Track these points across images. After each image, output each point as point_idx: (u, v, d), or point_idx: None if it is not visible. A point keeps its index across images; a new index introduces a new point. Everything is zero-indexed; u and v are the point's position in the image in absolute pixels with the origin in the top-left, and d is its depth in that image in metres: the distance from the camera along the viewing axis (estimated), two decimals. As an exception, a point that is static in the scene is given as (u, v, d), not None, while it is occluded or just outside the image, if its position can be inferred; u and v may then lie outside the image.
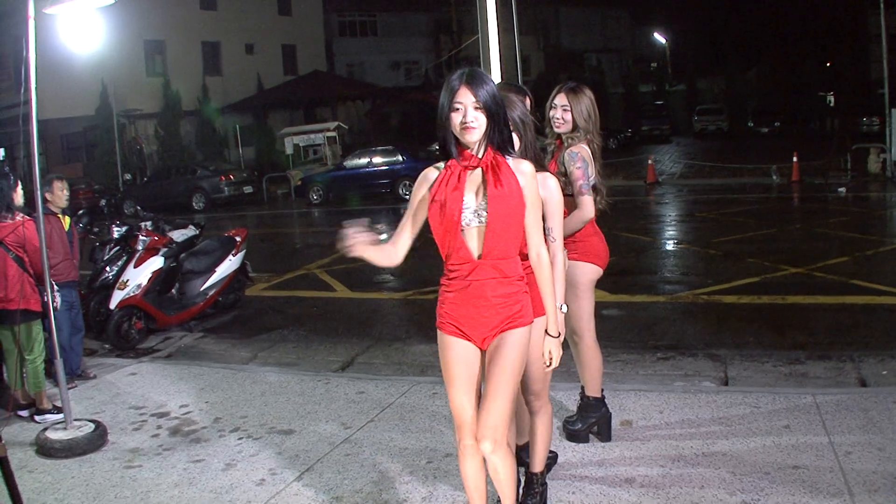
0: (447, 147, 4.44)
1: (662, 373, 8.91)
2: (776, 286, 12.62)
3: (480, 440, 4.51)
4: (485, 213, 4.35)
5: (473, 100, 4.28)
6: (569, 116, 6.31)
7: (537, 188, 4.52)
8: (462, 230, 4.40)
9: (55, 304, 7.70)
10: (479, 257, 4.41)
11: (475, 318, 4.49)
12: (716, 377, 8.59)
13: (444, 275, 4.60)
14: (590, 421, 6.65)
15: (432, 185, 4.46)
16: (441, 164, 4.50)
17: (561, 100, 6.36)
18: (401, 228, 4.71)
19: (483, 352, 4.59)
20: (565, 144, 6.29)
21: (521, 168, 4.45)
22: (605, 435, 6.67)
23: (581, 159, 6.09)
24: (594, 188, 6.30)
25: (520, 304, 4.51)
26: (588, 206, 6.13)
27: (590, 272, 6.32)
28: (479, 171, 4.40)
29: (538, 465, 5.45)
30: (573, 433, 6.70)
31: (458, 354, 4.55)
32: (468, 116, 4.28)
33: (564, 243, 5.52)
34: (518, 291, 4.51)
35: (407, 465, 6.49)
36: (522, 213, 4.43)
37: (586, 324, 6.47)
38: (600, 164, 6.42)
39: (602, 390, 6.72)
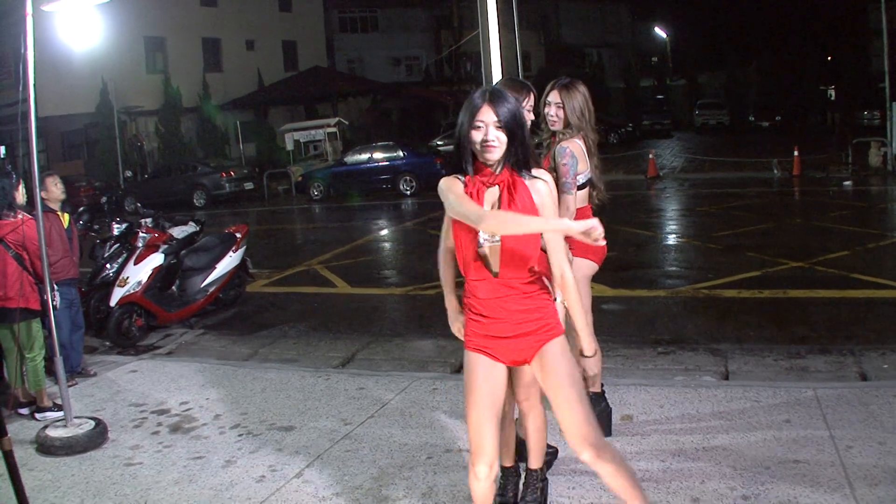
0: (463, 163, 4.40)
1: (663, 367, 8.90)
2: (777, 280, 12.62)
3: (580, 453, 4.44)
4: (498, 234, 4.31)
5: (495, 119, 4.24)
6: (562, 113, 6.28)
7: (555, 207, 4.47)
8: (479, 247, 4.35)
9: (55, 302, 7.70)
10: (496, 275, 4.37)
11: (501, 336, 4.43)
12: (716, 371, 8.58)
13: (465, 292, 4.54)
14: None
15: None
16: (462, 177, 4.41)
17: (554, 97, 6.33)
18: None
19: (511, 368, 4.59)
20: (559, 141, 6.28)
21: (537, 187, 4.40)
22: (605, 430, 6.67)
23: (569, 155, 6.04)
24: (590, 183, 6.33)
25: (549, 315, 4.47)
26: (567, 205, 6.04)
27: (584, 267, 6.29)
28: (496, 188, 4.37)
29: (535, 461, 5.44)
30: None
31: (484, 375, 4.48)
32: (489, 135, 4.24)
33: None
34: (542, 304, 4.46)
35: (407, 460, 6.49)
36: (536, 234, 4.38)
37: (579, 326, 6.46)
38: (597, 158, 6.41)
39: (602, 385, 6.72)
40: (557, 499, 5.65)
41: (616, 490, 4.51)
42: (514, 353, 4.46)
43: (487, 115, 4.25)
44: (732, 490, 5.53)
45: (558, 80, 6.45)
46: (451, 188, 4.36)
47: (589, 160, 6.31)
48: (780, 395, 7.31)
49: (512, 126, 4.27)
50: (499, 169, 4.36)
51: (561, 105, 6.28)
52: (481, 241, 4.33)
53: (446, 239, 4.91)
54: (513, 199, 4.33)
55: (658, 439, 6.49)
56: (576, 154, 6.14)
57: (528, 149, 4.39)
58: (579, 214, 6.12)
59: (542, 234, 4.41)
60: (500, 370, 4.51)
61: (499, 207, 4.33)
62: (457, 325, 4.95)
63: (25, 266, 8.02)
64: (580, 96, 6.33)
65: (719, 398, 7.33)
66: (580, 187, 6.20)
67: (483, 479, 4.53)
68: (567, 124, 6.29)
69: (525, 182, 4.39)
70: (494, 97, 4.29)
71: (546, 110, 6.35)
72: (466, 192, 4.33)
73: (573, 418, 4.40)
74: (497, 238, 4.30)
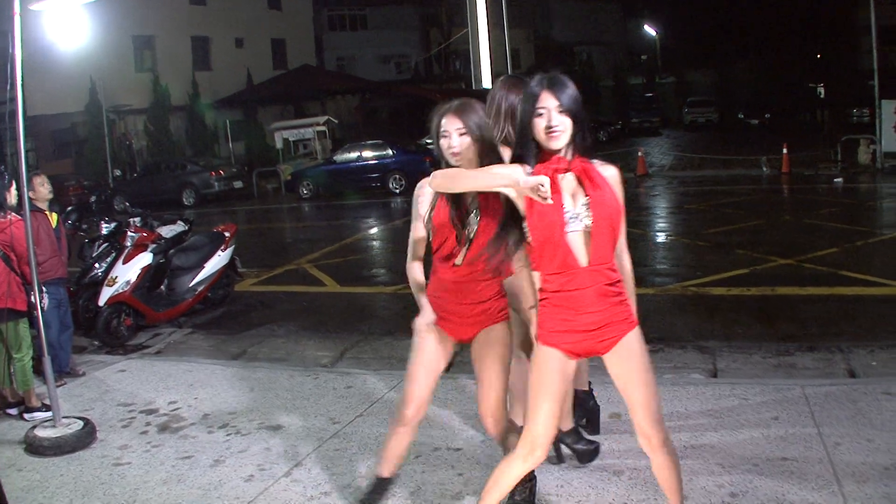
0: (524, 156, 4.37)
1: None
2: (765, 278, 12.64)
3: (656, 441, 4.51)
4: (587, 218, 4.27)
5: (557, 104, 4.23)
6: None
7: (623, 193, 4.45)
8: (566, 236, 4.29)
9: (42, 303, 7.69)
10: (587, 264, 4.31)
11: (586, 328, 4.37)
12: (705, 369, 8.59)
13: (541, 286, 4.47)
14: (578, 414, 6.66)
15: None
16: (527, 169, 4.34)
17: None
18: None
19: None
20: None
21: (609, 172, 4.41)
22: (594, 428, 6.68)
23: None
24: None
25: (628, 307, 4.48)
26: None
27: None
28: (570, 175, 4.32)
29: None
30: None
31: (560, 372, 4.46)
32: (553, 121, 4.23)
33: None
34: (623, 293, 4.46)
35: (396, 459, 6.50)
36: (620, 216, 4.36)
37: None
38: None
39: (589, 383, 6.73)
40: (546, 497, 5.65)
41: (663, 482, 4.64)
42: (596, 343, 4.43)
43: (549, 101, 4.24)
44: (720, 487, 5.55)
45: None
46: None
47: None
48: (769, 392, 7.33)
49: (574, 110, 4.25)
50: (569, 155, 4.33)
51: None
52: (571, 226, 4.27)
53: (416, 252, 5.16)
54: (596, 183, 4.29)
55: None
56: None
57: (590, 135, 4.38)
58: None
59: (620, 218, 4.38)
60: (573, 366, 4.51)
61: (583, 194, 4.29)
62: (432, 318, 5.10)
63: (13, 267, 8.01)
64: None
65: (707, 396, 7.35)
66: None
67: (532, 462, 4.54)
68: None
69: (598, 169, 4.38)
70: (553, 82, 4.28)
71: None
72: None
73: (654, 406, 4.48)
74: (585, 224, 4.27)
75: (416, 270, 5.20)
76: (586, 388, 6.69)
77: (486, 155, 4.86)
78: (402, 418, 5.26)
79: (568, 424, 5.97)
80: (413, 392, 5.22)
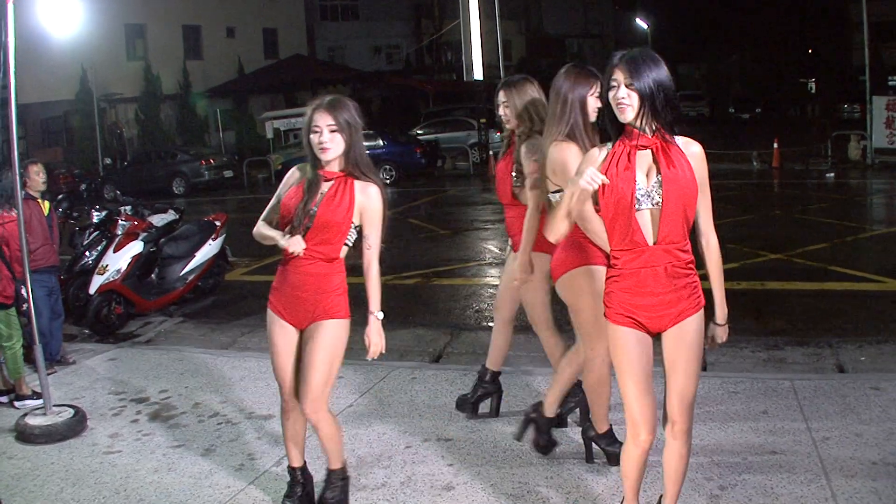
0: (609, 129, 4.44)
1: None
2: (755, 272, 12.68)
3: (678, 429, 4.52)
4: (658, 196, 4.27)
5: (626, 77, 4.24)
6: (509, 112, 6.35)
7: (707, 170, 4.47)
8: (635, 213, 4.30)
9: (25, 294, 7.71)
10: (655, 242, 4.31)
11: (652, 306, 4.36)
12: (694, 362, 8.62)
13: (610, 262, 4.48)
14: (569, 405, 6.69)
15: (600, 165, 4.35)
16: (608, 144, 4.43)
17: (501, 96, 6.42)
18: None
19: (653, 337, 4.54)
20: (518, 139, 6.31)
21: (692, 149, 4.40)
22: (584, 419, 6.72)
23: (539, 151, 6.10)
24: None
25: (697, 289, 4.45)
26: (533, 200, 6.09)
27: (544, 262, 6.31)
28: (648, 151, 4.33)
29: (335, 462, 5.53)
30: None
31: (637, 348, 4.44)
32: (620, 93, 4.25)
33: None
34: (692, 275, 4.43)
35: (386, 449, 6.52)
36: (695, 195, 4.36)
37: (540, 313, 6.49)
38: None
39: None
40: (535, 487, 5.67)
41: (669, 472, 4.65)
42: (661, 322, 4.42)
43: (620, 75, 4.26)
44: (709, 480, 5.57)
45: (508, 79, 6.52)
46: (587, 157, 4.51)
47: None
48: (758, 386, 7.36)
49: (644, 85, 4.24)
50: (648, 131, 4.32)
51: (508, 104, 6.34)
52: (640, 203, 4.29)
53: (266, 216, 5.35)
54: (670, 160, 4.29)
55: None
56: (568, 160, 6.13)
57: (676, 112, 4.36)
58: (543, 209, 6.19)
59: (696, 197, 4.40)
60: (649, 340, 4.49)
61: (657, 172, 4.29)
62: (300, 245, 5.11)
63: (5, 259, 8.01)
64: (528, 94, 6.37)
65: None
66: None
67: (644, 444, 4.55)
68: (520, 122, 6.34)
69: (678, 143, 4.38)
70: (629, 58, 4.30)
71: (498, 111, 6.43)
72: (616, 155, 4.32)
73: (689, 393, 4.48)
74: (655, 202, 4.28)
75: (261, 226, 5.34)
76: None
77: (354, 151, 5.04)
78: (284, 405, 5.50)
79: (604, 426, 5.96)
80: (283, 379, 5.45)
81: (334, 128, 4.94)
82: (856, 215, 19.22)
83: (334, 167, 5.06)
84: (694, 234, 4.44)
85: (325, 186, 5.06)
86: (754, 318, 10.28)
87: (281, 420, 5.53)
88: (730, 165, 30.09)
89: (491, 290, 12.71)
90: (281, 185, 5.27)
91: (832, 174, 25.89)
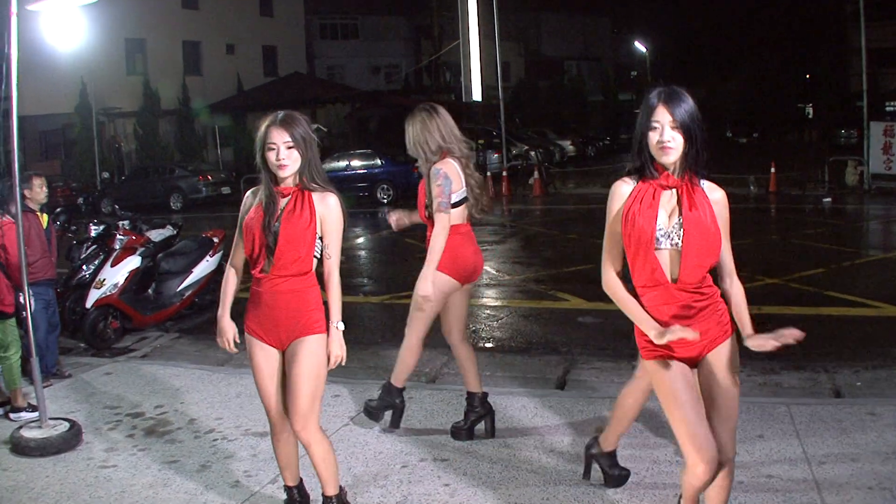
0: (644, 167, 4.40)
1: (638, 380, 8.93)
2: (751, 296, 12.48)
3: (723, 457, 4.48)
4: (678, 238, 4.30)
5: (671, 119, 4.24)
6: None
7: (728, 217, 4.50)
8: (654, 252, 4.33)
9: (30, 302, 7.69)
10: (675, 281, 4.35)
11: (680, 342, 4.38)
12: (691, 386, 8.63)
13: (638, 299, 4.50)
14: (471, 419, 7.07)
15: (626, 200, 4.39)
16: (632, 179, 4.44)
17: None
18: (612, 246, 4.61)
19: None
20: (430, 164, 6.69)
21: (715, 196, 4.44)
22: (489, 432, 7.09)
23: (443, 176, 6.42)
24: (466, 201, 6.75)
25: (725, 315, 4.49)
26: (440, 222, 6.49)
27: (439, 282, 6.65)
28: (673, 192, 4.36)
29: (331, 488, 5.49)
30: (455, 432, 7.13)
31: (676, 377, 4.46)
32: (665, 135, 4.24)
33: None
34: (717, 303, 4.48)
35: (382, 469, 6.51)
36: (716, 240, 4.37)
37: (415, 327, 7.01)
38: (475, 175, 6.89)
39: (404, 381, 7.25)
40: (531, 509, 5.67)
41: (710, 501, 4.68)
42: (696, 350, 4.49)
43: (663, 116, 4.25)
44: None
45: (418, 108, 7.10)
46: (613, 193, 4.50)
47: (465, 178, 6.70)
48: (754, 410, 7.36)
49: (689, 126, 4.27)
50: (677, 172, 4.35)
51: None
52: (659, 242, 4.32)
53: (234, 255, 5.33)
54: (693, 204, 4.31)
55: (632, 452, 6.51)
56: (450, 175, 6.55)
57: (705, 153, 4.39)
58: (455, 230, 6.63)
59: (719, 242, 4.41)
60: (688, 370, 4.52)
61: (679, 213, 4.32)
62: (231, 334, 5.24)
63: (3, 268, 8.01)
64: (417, 123, 6.97)
65: (693, 412, 7.37)
66: (455, 205, 6.60)
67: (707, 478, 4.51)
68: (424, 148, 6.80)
69: (703, 187, 4.40)
70: (670, 97, 4.28)
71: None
72: (641, 193, 4.34)
73: (731, 427, 4.54)
74: (675, 243, 4.32)
75: (229, 277, 5.39)
76: (401, 386, 7.23)
77: (310, 165, 5.05)
78: (273, 428, 5.43)
79: (610, 445, 5.98)
80: (269, 403, 5.34)
81: (290, 144, 4.96)
82: (852, 240, 19.25)
83: (290, 183, 5.06)
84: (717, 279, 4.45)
85: (283, 202, 5.05)
86: (751, 342, 10.27)
87: (272, 443, 5.50)
88: (726, 189, 29.76)
89: (487, 311, 12.72)
90: (239, 215, 5.23)
91: (829, 199, 25.92)
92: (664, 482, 5.99)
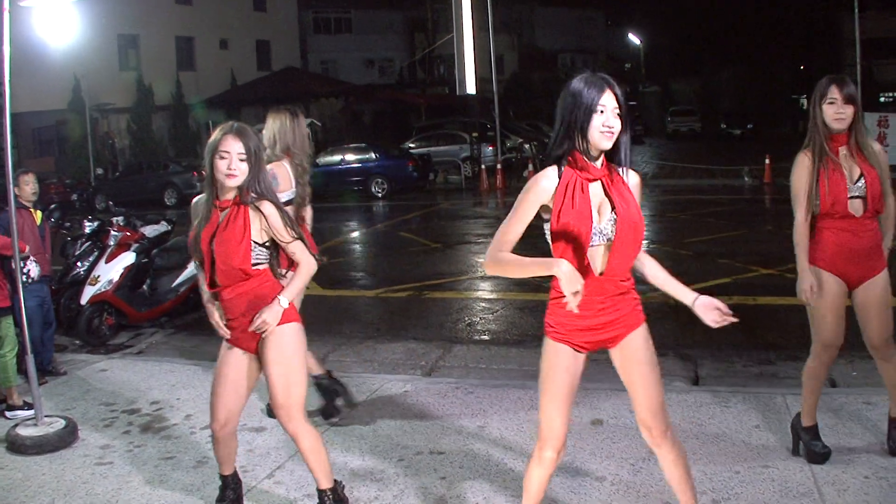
0: (581, 153, 4.26)
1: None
2: (747, 287, 12.69)
3: (656, 432, 4.58)
4: (611, 233, 4.27)
5: (616, 105, 4.19)
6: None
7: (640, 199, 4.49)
8: (588, 250, 4.27)
9: (31, 276, 7.73)
10: (601, 273, 4.32)
11: (594, 326, 4.41)
12: (686, 377, 8.64)
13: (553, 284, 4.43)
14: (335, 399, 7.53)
15: (552, 195, 4.25)
16: (554, 170, 4.28)
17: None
18: (515, 235, 4.35)
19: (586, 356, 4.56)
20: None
21: (633, 181, 4.42)
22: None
23: (271, 176, 6.51)
24: (293, 202, 7.13)
25: (639, 303, 4.53)
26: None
27: None
28: (599, 183, 4.30)
29: (325, 482, 5.53)
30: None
31: (564, 364, 4.46)
32: (611, 120, 4.18)
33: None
34: (633, 293, 4.49)
35: (378, 462, 6.51)
36: (642, 230, 4.38)
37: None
38: (305, 184, 7.32)
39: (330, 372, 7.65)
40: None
41: (671, 478, 4.74)
42: (607, 339, 4.51)
43: (610, 101, 4.19)
44: (703, 494, 5.57)
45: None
46: (533, 188, 4.29)
47: (296, 180, 7.17)
48: (750, 400, 7.38)
49: (624, 114, 4.23)
50: (599, 162, 4.30)
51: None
52: (594, 240, 4.27)
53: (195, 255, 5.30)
54: (623, 198, 4.30)
55: (628, 444, 6.52)
56: (278, 176, 6.95)
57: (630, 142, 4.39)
58: None
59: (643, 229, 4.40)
60: (581, 360, 4.53)
61: (611, 209, 4.29)
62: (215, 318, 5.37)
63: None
64: (279, 124, 7.28)
65: (689, 403, 7.38)
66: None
67: (546, 465, 4.62)
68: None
69: (622, 176, 4.37)
70: (611, 82, 4.26)
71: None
72: (569, 186, 4.21)
73: (659, 397, 4.64)
74: (607, 237, 4.28)
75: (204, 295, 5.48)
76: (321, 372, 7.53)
77: (258, 180, 5.09)
78: (214, 433, 5.45)
79: (809, 421, 6.18)
80: (218, 406, 5.39)
81: (243, 156, 4.98)
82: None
83: (230, 196, 5.09)
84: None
85: (221, 216, 5.10)
86: (746, 333, 10.27)
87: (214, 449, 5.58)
88: (721, 181, 30.19)
89: (483, 304, 12.72)
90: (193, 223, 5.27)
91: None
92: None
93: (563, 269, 4.05)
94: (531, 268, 4.25)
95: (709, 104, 66.38)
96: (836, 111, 5.61)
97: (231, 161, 4.94)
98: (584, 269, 4.24)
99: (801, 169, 5.86)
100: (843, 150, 5.68)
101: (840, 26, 56.08)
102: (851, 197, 5.60)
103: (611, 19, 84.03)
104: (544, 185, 4.26)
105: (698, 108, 64.77)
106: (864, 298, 5.89)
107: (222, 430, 5.38)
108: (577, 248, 4.23)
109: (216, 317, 5.34)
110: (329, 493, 5.43)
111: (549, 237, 4.32)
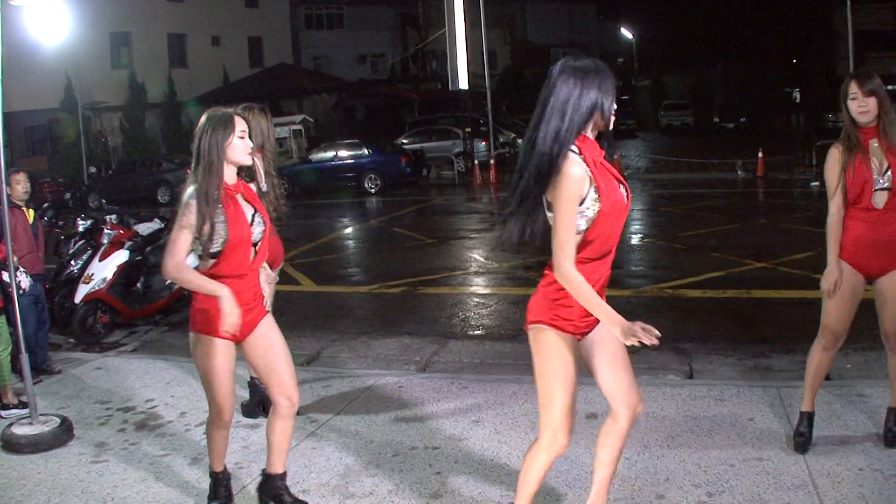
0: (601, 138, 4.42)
1: (628, 366, 8.94)
2: (741, 280, 12.71)
3: (630, 412, 4.59)
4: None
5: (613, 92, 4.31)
6: None
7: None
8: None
9: (21, 287, 7.69)
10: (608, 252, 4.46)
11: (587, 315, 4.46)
12: (681, 370, 8.65)
13: (547, 273, 4.43)
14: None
15: (590, 181, 4.17)
16: (577, 154, 4.20)
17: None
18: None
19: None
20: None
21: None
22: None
23: None
24: (264, 196, 7.04)
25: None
26: None
27: None
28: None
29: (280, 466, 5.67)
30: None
31: (570, 350, 4.49)
32: (612, 105, 4.30)
33: None
34: None
35: (373, 458, 6.51)
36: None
37: None
38: (274, 176, 7.45)
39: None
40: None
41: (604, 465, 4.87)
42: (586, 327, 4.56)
43: (612, 89, 4.31)
44: (697, 487, 5.59)
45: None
46: (572, 177, 4.18)
47: (265, 175, 7.22)
48: (745, 393, 7.39)
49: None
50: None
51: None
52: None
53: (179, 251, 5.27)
54: (619, 173, 4.39)
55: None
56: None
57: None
58: None
59: None
60: (575, 343, 4.56)
61: (622, 185, 4.36)
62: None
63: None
64: (255, 122, 7.35)
65: (683, 397, 7.39)
66: None
67: (556, 450, 4.61)
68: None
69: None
70: (607, 72, 4.33)
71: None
72: (594, 172, 4.19)
73: (632, 380, 4.63)
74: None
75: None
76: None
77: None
78: (221, 423, 5.42)
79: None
80: (230, 397, 5.37)
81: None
82: (840, 224, 19.20)
83: (234, 179, 5.27)
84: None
85: (239, 198, 5.26)
86: (740, 327, 10.30)
87: (211, 435, 5.54)
88: (714, 175, 30.20)
89: (477, 299, 12.72)
90: (187, 214, 5.30)
91: (816, 183, 25.92)
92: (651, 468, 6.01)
93: (618, 329, 4.31)
94: (603, 310, 4.36)
95: (702, 98, 66.24)
96: (858, 105, 5.84)
97: (246, 139, 5.05)
98: (605, 246, 4.36)
99: (833, 161, 6.01)
100: (873, 143, 5.82)
101: (832, 19, 56.06)
102: (878, 189, 5.71)
103: (603, 13, 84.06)
104: (578, 172, 4.17)
105: (691, 102, 64.79)
106: (884, 288, 6.08)
107: (230, 421, 5.43)
108: (612, 226, 4.31)
109: (238, 313, 5.09)
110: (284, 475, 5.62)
111: (575, 226, 4.21)
